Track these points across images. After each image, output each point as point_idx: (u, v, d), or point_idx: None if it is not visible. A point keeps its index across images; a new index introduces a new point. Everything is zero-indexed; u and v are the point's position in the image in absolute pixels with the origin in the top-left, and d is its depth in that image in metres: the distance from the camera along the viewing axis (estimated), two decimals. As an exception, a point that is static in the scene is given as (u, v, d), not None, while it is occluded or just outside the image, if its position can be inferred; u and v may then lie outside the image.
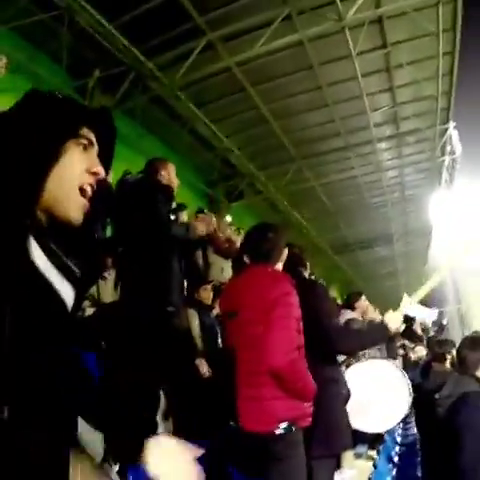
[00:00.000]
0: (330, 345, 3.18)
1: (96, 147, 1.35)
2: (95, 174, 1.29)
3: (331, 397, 3.13)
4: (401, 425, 7.51)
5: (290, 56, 10.88)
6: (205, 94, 12.09)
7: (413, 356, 9.31)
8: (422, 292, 3.52)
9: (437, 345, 6.75)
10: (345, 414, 3.31)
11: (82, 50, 10.21)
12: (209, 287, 6.02)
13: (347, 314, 6.56)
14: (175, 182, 4.10)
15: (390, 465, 5.77)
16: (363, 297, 7.03)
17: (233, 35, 10.06)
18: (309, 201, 18.60)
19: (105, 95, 11.15)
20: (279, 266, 3.04)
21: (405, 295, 3.65)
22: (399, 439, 7.75)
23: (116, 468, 2.90)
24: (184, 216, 7.27)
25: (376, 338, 3.58)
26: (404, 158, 15.84)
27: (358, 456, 6.51)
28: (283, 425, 2.61)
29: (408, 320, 9.48)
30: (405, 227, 21.64)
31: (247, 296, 2.86)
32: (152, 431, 3.54)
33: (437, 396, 3.91)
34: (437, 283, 3.63)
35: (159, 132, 13.11)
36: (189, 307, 5.58)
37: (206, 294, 5.90)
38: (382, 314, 8.71)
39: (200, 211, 10.07)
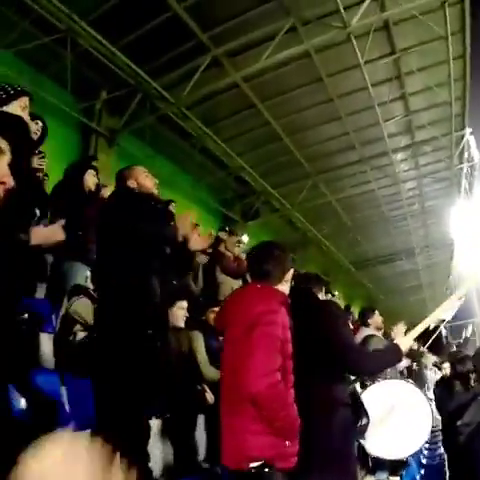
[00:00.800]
0: (349, 365, 3.04)
1: (7, 156, 1.34)
2: (2, 183, 1.30)
3: (339, 422, 2.92)
4: (427, 445, 7.10)
5: (298, 69, 10.76)
6: (214, 112, 12.07)
7: (443, 373, 8.86)
8: (440, 311, 3.33)
9: (459, 363, 6.43)
10: (353, 441, 3.15)
11: (86, 72, 10.29)
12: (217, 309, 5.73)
13: (365, 331, 6.47)
14: (148, 184, 3.80)
15: None
16: (376, 312, 6.90)
17: (238, 50, 9.99)
18: (327, 217, 18.36)
19: (112, 117, 11.19)
20: (282, 286, 2.84)
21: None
22: (425, 461, 7.31)
23: None
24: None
25: (391, 359, 3.32)
26: (421, 168, 15.49)
27: None
28: (254, 464, 2.32)
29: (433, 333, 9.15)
30: (426, 239, 21.18)
31: (233, 314, 2.74)
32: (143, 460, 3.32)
33: (459, 423, 3.64)
34: (461, 298, 3.40)
35: (169, 152, 13.08)
36: (194, 329, 5.33)
37: (214, 316, 5.61)
38: (409, 328, 8.47)
39: (222, 229, 9.86)
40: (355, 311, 14.01)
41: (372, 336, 6.14)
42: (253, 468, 2.30)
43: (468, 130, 13.60)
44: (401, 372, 6.62)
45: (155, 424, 4.29)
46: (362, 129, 13.24)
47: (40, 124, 5.10)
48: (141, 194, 3.70)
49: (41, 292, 6.06)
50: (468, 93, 12.00)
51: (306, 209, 16.85)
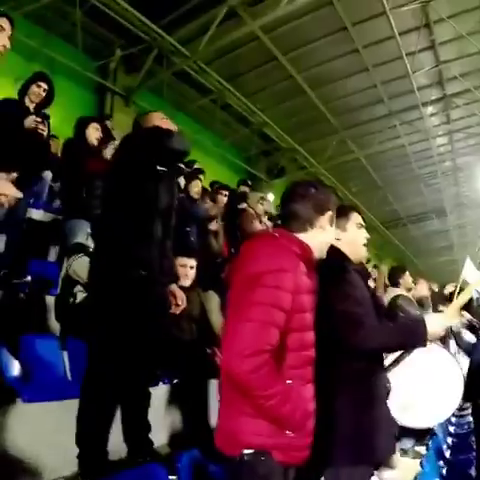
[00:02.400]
0: (352, 339, 2.40)
1: None
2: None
3: (358, 398, 2.49)
4: (456, 413, 6.83)
5: (320, 18, 10.33)
6: (234, 67, 11.80)
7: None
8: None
9: None
10: (381, 417, 2.58)
11: (99, 30, 10.17)
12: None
13: (393, 291, 6.22)
14: (167, 126, 3.52)
15: (440, 462, 5.19)
16: (407, 273, 6.61)
17: (255, -1, 9.57)
18: (355, 175, 18.06)
19: (128, 75, 11.07)
20: (317, 234, 2.18)
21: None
22: (452, 429, 7.02)
23: None
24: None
25: (405, 342, 2.61)
26: (453, 123, 14.78)
27: (404, 453, 6.03)
28: (247, 452, 1.97)
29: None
30: (458, 198, 20.57)
31: (235, 271, 2.16)
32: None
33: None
34: None
35: (190, 110, 12.93)
36: (210, 289, 5.10)
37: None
38: (441, 287, 8.19)
39: (244, 182, 9.63)
40: (385, 271, 13.73)
41: (400, 296, 5.96)
42: (246, 455, 1.97)
43: (502, 82, 12.90)
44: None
45: (162, 391, 4.17)
46: (390, 81, 12.67)
47: (44, 86, 4.93)
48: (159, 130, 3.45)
49: (54, 255, 6.02)
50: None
51: (333, 166, 16.49)
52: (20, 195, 3.02)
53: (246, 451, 1.96)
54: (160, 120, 3.57)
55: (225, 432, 2.07)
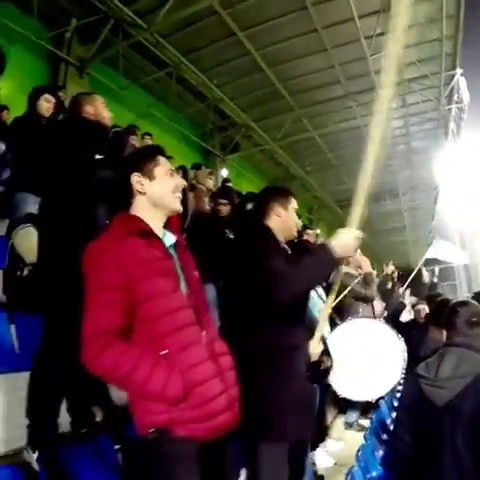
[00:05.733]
0: (272, 291, 2.36)
1: None
2: None
3: (284, 369, 2.49)
4: (400, 388, 6.91)
5: (281, -3, 10.08)
6: (192, 41, 11.50)
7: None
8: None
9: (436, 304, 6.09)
10: (300, 390, 2.56)
11: None
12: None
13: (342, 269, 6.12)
14: (105, 115, 3.49)
15: (384, 435, 5.26)
16: (358, 251, 6.54)
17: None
18: (310, 153, 18.11)
19: (83, 45, 10.70)
20: (139, 205, 2.17)
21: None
22: (396, 403, 7.13)
23: (35, 456, 2.54)
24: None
25: (317, 264, 2.47)
26: (409, 107, 14.88)
27: (348, 426, 6.12)
28: (150, 431, 1.93)
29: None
30: (411, 181, 20.80)
31: None
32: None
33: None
34: None
35: (145, 83, 12.69)
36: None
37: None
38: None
39: (197, 166, 9.63)
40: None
41: (347, 274, 5.89)
42: (149, 434, 1.93)
43: (459, 70, 12.94)
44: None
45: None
46: (348, 63, 12.58)
47: None
48: (97, 124, 3.40)
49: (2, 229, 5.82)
50: (461, 32, 11.32)
51: (288, 144, 16.55)
52: None
53: (150, 430, 1.92)
54: (102, 106, 3.49)
55: (132, 414, 2.02)
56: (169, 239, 2.17)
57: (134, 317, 1.96)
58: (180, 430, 1.90)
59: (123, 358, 1.86)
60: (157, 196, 2.16)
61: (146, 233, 2.07)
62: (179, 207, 2.22)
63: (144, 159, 2.21)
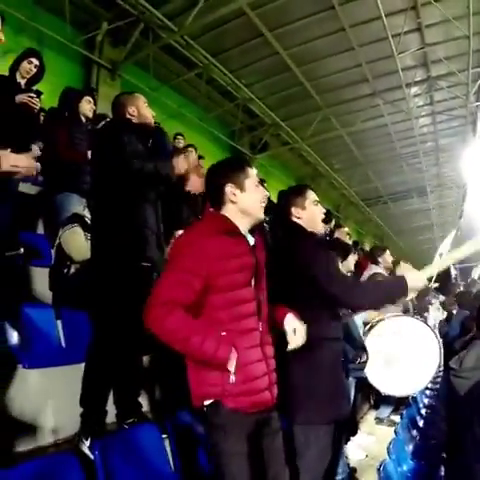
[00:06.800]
0: (332, 297, 2.69)
1: None
2: None
3: (323, 358, 2.74)
4: (430, 385, 6.97)
5: (308, -4, 10.22)
6: (221, 42, 11.67)
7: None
8: (459, 253, 2.90)
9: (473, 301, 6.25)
10: (336, 378, 2.83)
11: (86, 3, 10.08)
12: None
13: (373, 269, 6.34)
14: (148, 115, 3.60)
15: (414, 431, 5.38)
16: (387, 252, 6.72)
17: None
18: (338, 151, 18.14)
19: (115, 48, 11.01)
20: (229, 209, 2.40)
21: (437, 257, 3.24)
22: (426, 401, 7.19)
23: (87, 443, 2.78)
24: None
25: (389, 293, 2.75)
26: (436, 104, 14.91)
27: (379, 421, 6.26)
28: (207, 402, 2.19)
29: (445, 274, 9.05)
30: (439, 178, 20.77)
31: None
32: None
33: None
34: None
35: (175, 84, 12.87)
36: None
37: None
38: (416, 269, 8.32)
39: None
40: (366, 248, 13.98)
41: (377, 274, 6.03)
42: (204, 406, 2.19)
43: (486, 67, 12.95)
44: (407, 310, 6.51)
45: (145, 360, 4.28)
46: (375, 61, 12.61)
47: (35, 62, 4.92)
48: (142, 125, 3.52)
49: (42, 228, 6.08)
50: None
51: (316, 143, 16.57)
52: (36, 166, 2.96)
53: (205, 402, 2.18)
54: (144, 106, 3.59)
55: (190, 387, 2.25)
56: (251, 240, 2.45)
57: (204, 302, 2.22)
58: (230, 402, 2.15)
59: (185, 323, 2.11)
60: (246, 206, 2.41)
61: (234, 233, 2.33)
62: (263, 216, 2.48)
63: (236, 171, 2.44)
